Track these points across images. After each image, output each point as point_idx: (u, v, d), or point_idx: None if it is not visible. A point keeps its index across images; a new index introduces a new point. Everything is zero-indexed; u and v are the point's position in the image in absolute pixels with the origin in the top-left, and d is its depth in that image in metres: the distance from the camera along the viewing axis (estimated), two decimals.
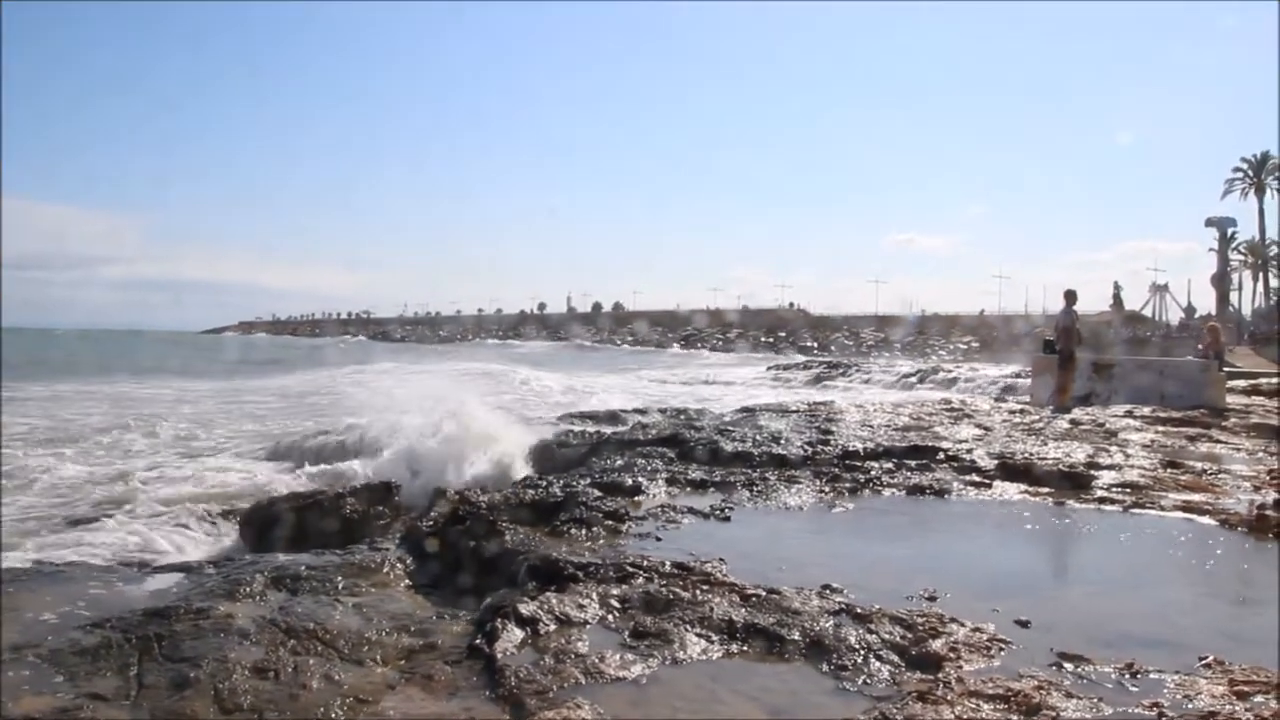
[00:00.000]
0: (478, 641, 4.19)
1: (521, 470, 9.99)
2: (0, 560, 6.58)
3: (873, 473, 8.15)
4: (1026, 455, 9.12)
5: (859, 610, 4.33)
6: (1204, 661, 3.74)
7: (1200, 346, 19.42)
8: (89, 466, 13.19)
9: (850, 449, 9.28)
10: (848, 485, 7.65)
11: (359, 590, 5.42)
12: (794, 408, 15.20)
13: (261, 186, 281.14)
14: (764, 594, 4.53)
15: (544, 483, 6.41)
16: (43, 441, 15.94)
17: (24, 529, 9.12)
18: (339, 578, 5.65)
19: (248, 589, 5.47)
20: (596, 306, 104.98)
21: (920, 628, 4.10)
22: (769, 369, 37.35)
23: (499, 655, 3.95)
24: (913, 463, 8.69)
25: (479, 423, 12.28)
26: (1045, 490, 7.63)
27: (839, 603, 4.46)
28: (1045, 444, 10.19)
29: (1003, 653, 3.87)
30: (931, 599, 4.56)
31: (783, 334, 60.11)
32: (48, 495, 11.16)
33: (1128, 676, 3.60)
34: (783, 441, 9.64)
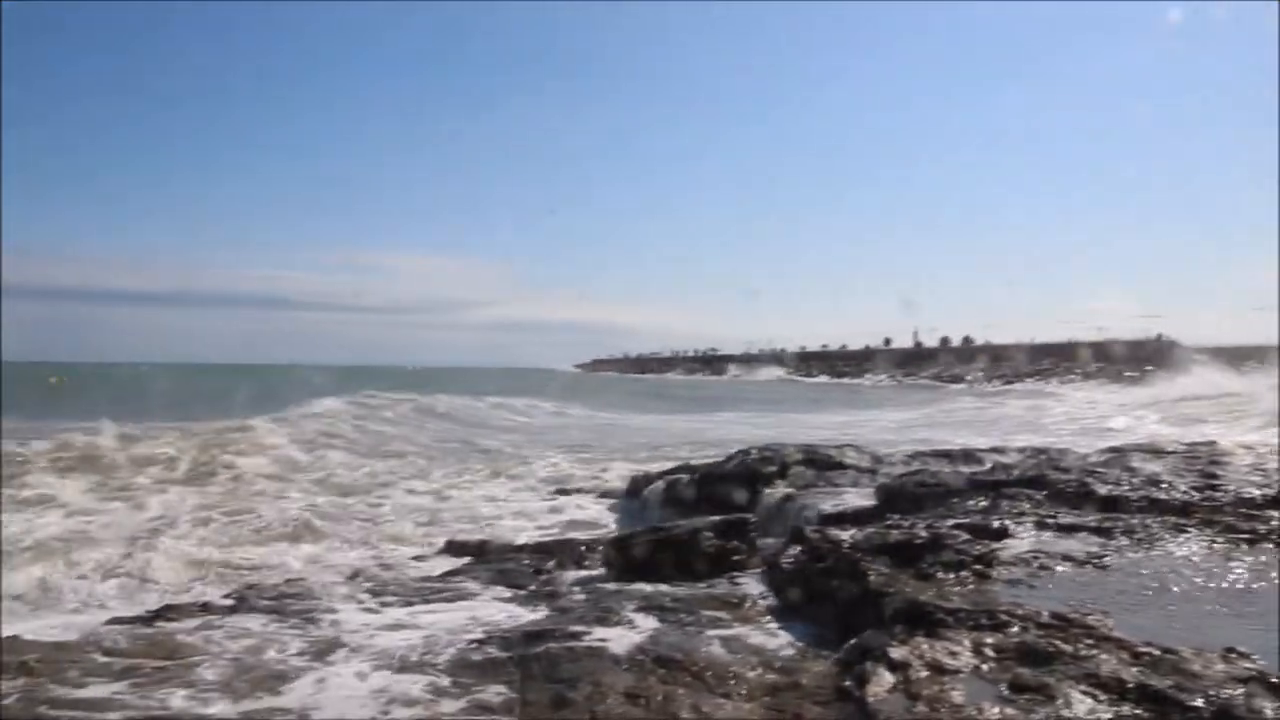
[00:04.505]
0: (846, 683, 4.16)
1: None
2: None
3: (1274, 523, 7.27)
4: None
5: (1273, 679, 3.87)
6: None
7: None
8: None
9: (1244, 495, 8.33)
10: (1245, 536, 6.87)
11: (722, 623, 5.55)
12: (1169, 448, 13.95)
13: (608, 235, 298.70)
14: (1158, 654, 4.16)
15: (908, 523, 6.28)
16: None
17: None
18: (702, 610, 5.83)
19: (616, 616, 5.76)
20: (944, 341, 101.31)
21: None
22: (1132, 406, 34.58)
23: (870, 699, 3.90)
24: None
25: None
26: None
27: (1247, 669, 3.99)
28: None
29: None
30: None
31: (1149, 367, 55.16)
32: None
33: None
34: (1162, 485, 8.83)
